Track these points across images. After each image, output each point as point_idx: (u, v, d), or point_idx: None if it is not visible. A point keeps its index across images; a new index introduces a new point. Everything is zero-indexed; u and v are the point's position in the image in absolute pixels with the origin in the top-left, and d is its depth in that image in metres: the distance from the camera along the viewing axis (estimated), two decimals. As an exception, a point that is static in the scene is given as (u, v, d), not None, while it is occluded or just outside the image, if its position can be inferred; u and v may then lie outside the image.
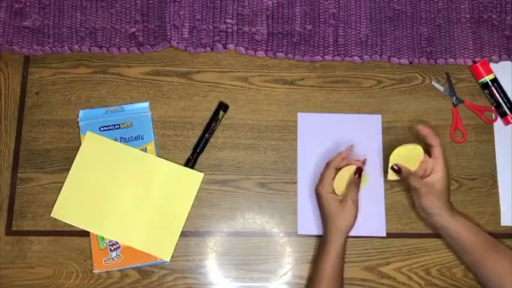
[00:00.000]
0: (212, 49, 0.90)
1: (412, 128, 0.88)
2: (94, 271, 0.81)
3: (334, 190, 0.79)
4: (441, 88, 0.90)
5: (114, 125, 0.86)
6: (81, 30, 0.90)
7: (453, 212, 0.76)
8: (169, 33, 0.88)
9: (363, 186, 0.83)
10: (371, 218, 0.85)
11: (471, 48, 0.91)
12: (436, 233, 0.83)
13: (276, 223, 0.85)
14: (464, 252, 0.76)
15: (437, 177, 0.76)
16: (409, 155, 0.79)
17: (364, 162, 0.81)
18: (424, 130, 0.79)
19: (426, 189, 0.76)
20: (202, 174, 0.85)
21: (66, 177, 0.84)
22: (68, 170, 0.84)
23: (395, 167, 0.79)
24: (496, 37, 0.92)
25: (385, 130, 0.88)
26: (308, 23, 0.91)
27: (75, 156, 0.85)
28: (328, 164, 0.81)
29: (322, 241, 0.79)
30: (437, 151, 0.78)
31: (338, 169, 0.81)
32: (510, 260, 0.72)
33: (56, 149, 0.86)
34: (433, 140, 0.78)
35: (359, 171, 0.80)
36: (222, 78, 0.90)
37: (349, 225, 0.77)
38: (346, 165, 0.81)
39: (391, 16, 0.92)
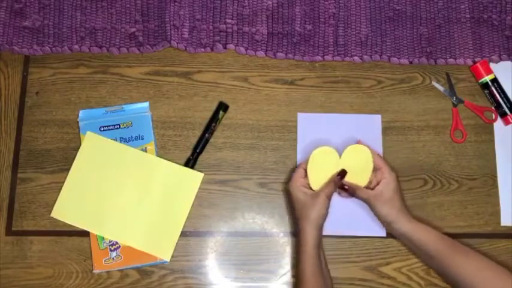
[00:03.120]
0: (212, 49, 0.90)
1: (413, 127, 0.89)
2: (94, 271, 0.81)
3: (308, 186, 0.79)
4: (441, 88, 0.90)
5: (114, 125, 0.86)
6: (81, 30, 0.90)
7: (410, 219, 0.77)
8: (169, 33, 0.88)
9: None
10: (371, 218, 0.84)
11: (471, 48, 0.91)
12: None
13: (276, 223, 0.85)
14: (430, 258, 0.76)
15: (383, 184, 0.77)
16: (358, 154, 0.81)
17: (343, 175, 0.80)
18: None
19: (374, 198, 0.77)
20: (202, 174, 0.85)
21: (66, 177, 0.84)
22: (68, 170, 0.84)
23: (345, 186, 0.79)
24: (496, 37, 0.92)
25: (385, 130, 0.89)
26: (308, 23, 0.91)
27: (75, 156, 0.85)
28: (298, 165, 0.82)
29: (297, 241, 0.79)
30: (378, 160, 0.80)
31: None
32: (477, 260, 0.73)
33: (56, 149, 0.86)
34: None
35: (343, 174, 0.79)
36: (222, 78, 0.90)
37: (320, 217, 0.76)
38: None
39: (391, 16, 0.92)
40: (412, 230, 0.76)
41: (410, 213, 0.78)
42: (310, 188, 0.79)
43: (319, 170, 0.80)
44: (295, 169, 0.82)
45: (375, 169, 0.80)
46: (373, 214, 0.80)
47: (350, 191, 0.80)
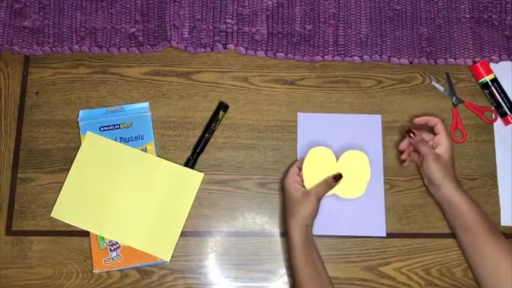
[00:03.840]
0: (212, 49, 0.90)
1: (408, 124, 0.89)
2: (94, 271, 0.81)
3: (302, 183, 0.80)
4: (441, 88, 0.90)
5: (114, 125, 0.86)
6: (81, 30, 0.90)
7: (459, 187, 0.77)
8: (169, 33, 0.88)
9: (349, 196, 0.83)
10: (371, 218, 0.85)
11: (471, 48, 0.91)
12: (436, 233, 0.84)
13: (276, 223, 0.85)
14: (464, 229, 0.76)
15: (441, 149, 0.78)
16: (355, 161, 0.83)
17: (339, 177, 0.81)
18: (421, 120, 0.82)
19: (434, 156, 0.77)
20: (202, 174, 0.85)
21: (66, 177, 0.84)
22: (68, 170, 0.84)
23: (411, 134, 0.79)
24: (496, 37, 0.92)
25: (385, 130, 0.88)
26: (308, 23, 0.91)
27: (75, 156, 0.85)
28: (294, 162, 0.83)
29: (286, 240, 0.79)
30: (438, 127, 0.80)
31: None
32: (506, 243, 0.73)
33: (56, 149, 0.86)
34: (433, 121, 0.81)
35: (338, 177, 0.79)
36: (222, 78, 0.90)
37: (308, 216, 0.77)
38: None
39: (391, 16, 0.92)
40: (456, 196, 0.76)
41: (461, 184, 0.79)
42: (304, 186, 0.80)
43: (314, 169, 0.81)
44: (293, 165, 0.82)
45: (434, 133, 0.80)
46: (423, 173, 0.80)
47: (416, 138, 0.79)
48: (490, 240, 0.74)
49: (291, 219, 0.77)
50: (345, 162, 0.82)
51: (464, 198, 0.76)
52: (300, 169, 0.81)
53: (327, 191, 0.79)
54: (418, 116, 0.83)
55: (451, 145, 0.79)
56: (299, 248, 0.75)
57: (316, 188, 0.78)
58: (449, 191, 0.77)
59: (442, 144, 0.79)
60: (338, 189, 0.81)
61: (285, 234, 0.80)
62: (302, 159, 0.82)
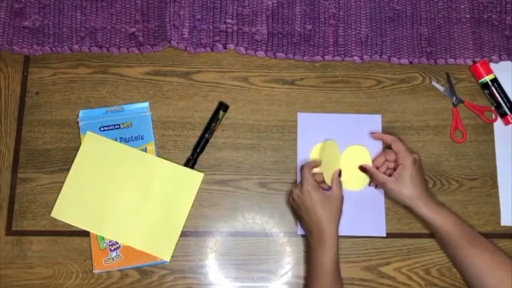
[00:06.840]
0: (212, 49, 0.90)
1: (411, 128, 0.89)
2: (94, 271, 0.81)
3: (318, 184, 0.80)
4: (441, 88, 0.90)
5: (114, 125, 0.86)
6: (81, 30, 0.90)
7: (431, 203, 0.76)
8: (169, 33, 0.88)
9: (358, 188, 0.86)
10: (371, 218, 0.85)
11: (471, 48, 0.91)
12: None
13: (276, 223, 0.85)
14: (444, 244, 0.77)
15: (399, 169, 0.78)
16: (358, 155, 0.86)
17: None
18: (377, 136, 0.85)
19: (389, 183, 0.78)
20: (202, 174, 0.85)
21: (66, 177, 0.84)
22: (68, 170, 0.84)
23: (363, 167, 0.83)
24: (496, 37, 0.92)
25: (385, 130, 0.88)
26: (308, 23, 0.91)
27: (75, 156, 0.85)
28: (304, 166, 0.81)
29: (314, 240, 0.77)
30: (395, 146, 0.80)
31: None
32: (488, 252, 0.73)
33: (56, 149, 0.86)
34: (388, 139, 0.82)
35: (340, 173, 0.83)
36: (222, 78, 0.90)
37: (341, 212, 0.78)
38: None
39: (391, 16, 0.92)
40: (429, 214, 0.76)
41: (433, 198, 0.78)
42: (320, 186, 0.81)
43: (328, 162, 0.83)
44: (304, 170, 0.80)
45: (395, 154, 0.81)
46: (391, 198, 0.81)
47: (370, 171, 0.82)
48: (473, 255, 0.73)
49: (331, 223, 0.76)
50: (348, 157, 0.85)
51: (436, 215, 0.75)
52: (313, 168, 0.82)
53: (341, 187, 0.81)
54: (419, 113, 0.83)
55: (415, 160, 0.78)
56: (335, 249, 0.75)
57: (338, 185, 0.80)
58: (419, 210, 0.76)
59: (402, 163, 0.78)
60: (344, 182, 0.83)
61: (312, 239, 0.78)
62: (310, 162, 0.81)
